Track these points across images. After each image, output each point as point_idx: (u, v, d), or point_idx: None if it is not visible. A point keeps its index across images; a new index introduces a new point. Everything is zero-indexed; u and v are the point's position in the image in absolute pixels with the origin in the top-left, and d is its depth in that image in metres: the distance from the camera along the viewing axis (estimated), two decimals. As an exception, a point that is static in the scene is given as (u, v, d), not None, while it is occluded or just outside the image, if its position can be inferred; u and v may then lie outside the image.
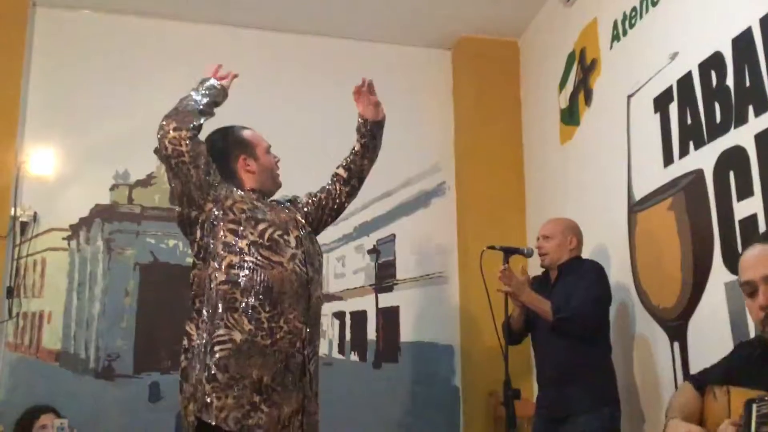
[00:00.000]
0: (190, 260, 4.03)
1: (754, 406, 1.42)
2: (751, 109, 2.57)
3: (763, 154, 2.50)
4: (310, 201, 2.78)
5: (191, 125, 2.45)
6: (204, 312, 2.30)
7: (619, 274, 3.36)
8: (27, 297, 3.87)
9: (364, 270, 4.42)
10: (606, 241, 3.50)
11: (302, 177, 4.19)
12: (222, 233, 2.34)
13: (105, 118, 4.13)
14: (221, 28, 4.43)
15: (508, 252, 3.20)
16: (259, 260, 2.33)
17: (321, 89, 4.48)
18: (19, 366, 3.79)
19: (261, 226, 2.40)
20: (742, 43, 2.64)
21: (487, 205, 4.42)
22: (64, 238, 3.99)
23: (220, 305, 2.27)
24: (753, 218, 2.52)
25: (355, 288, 4.36)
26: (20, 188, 3.95)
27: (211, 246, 2.34)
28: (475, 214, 4.42)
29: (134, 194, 4.13)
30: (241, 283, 2.29)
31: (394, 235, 4.48)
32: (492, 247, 3.21)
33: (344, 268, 4.38)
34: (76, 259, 4.00)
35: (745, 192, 2.57)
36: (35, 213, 3.93)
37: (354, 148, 2.86)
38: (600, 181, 3.63)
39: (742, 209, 2.58)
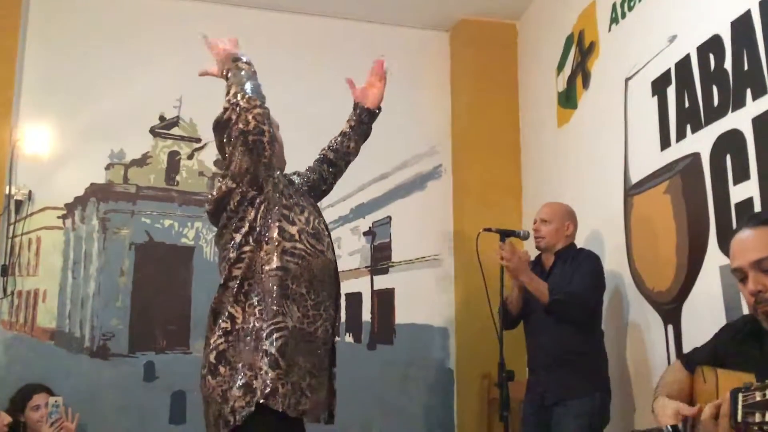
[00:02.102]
0: (185, 240, 4.11)
1: (740, 396, 1.42)
2: (749, 92, 2.57)
3: (760, 137, 2.50)
4: (305, 183, 2.76)
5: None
6: (253, 296, 2.24)
7: (614, 257, 3.37)
8: (22, 275, 3.87)
9: (359, 252, 4.42)
10: (602, 225, 3.50)
11: (299, 158, 4.21)
12: (277, 217, 2.30)
13: (100, 97, 4.11)
14: (217, 6, 4.40)
15: (504, 234, 3.21)
16: (308, 248, 2.32)
17: (317, 69, 4.46)
18: (13, 344, 3.79)
19: (306, 213, 2.39)
20: (741, 26, 2.62)
21: (483, 188, 4.42)
22: (59, 217, 3.98)
23: (275, 291, 2.23)
24: (749, 202, 2.52)
25: (351, 270, 4.36)
26: (15, 167, 3.93)
27: (265, 229, 2.29)
28: (471, 197, 4.42)
29: (130, 174, 4.11)
30: (293, 271, 2.26)
31: (389, 217, 4.47)
32: (488, 230, 3.22)
33: (340, 249, 4.37)
34: (71, 238, 3.99)
35: (741, 175, 2.57)
36: (30, 192, 3.91)
37: (343, 130, 2.84)
38: (596, 165, 3.63)
39: (738, 193, 2.58)
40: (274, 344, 2.18)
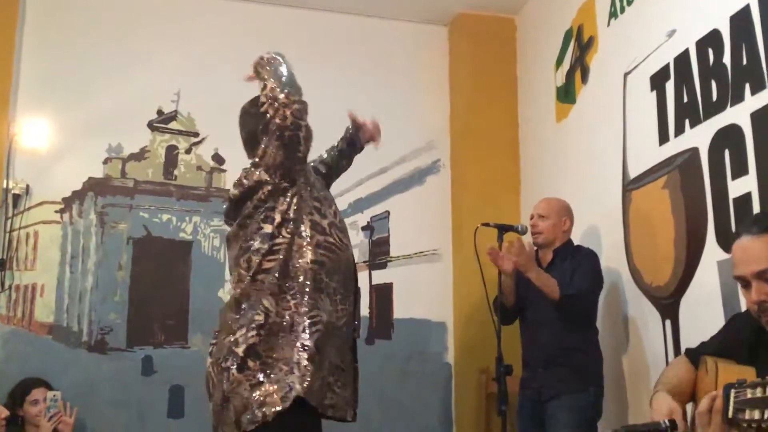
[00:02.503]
0: (182, 235, 4.10)
1: (732, 392, 1.41)
2: (747, 87, 2.57)
3: (758, 132, 2.50)
4: None
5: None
6: (288, 289, 2.22)
7: (612, 252, 3.37)
8: (19, 270, 3.86)
9: (357, 246, 4.40)
10: (600, 220, 3.50)
11: None
12: (309, 210, 2.31)
13: (98, 92, 4.09)
14: (215, 1, 4.38)
15: (503, 229, 3.21)
16: (337, 242, 2.32)
17: (315, 63, 4.44)
18: (11, 338, 3.78)
19: (333, 206, 2.40)
20: (740, 20, 2.62)
21: (481, 183, 4.42)
22: (56, 211, 3.97)
23: (308, 284, 2.22)
24: (747, 197, 2.52)
25: (349, 264, 4.35)
26: (12, 161, 3.91)
27: (299, 222, 2.29)
28: (470, 192, 4.41)
29: (127, 168, 4.10)
30: (327, 264, 2.26)
31: (388, 212, 4.47)
32: (486, 224, 3.22)
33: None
34: (69, 232, 3.98)
35: (739, 170, 2.57)
36: (27, 186, 3.90)
37: (339, 148, 2.89)
38: (595, 160, 3.62)
39: (736, 188, 2.58)
40: (312, 338, 2.17)
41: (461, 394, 4.25)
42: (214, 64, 4.26)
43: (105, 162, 4.08)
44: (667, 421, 1.75)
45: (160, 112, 4.19)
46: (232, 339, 2.21)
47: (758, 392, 1.33)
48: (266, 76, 2.47)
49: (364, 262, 4.39)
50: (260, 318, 2.19)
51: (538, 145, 4.27)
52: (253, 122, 2.45)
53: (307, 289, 2.21)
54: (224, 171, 4.24)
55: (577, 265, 3.10)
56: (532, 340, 3.25)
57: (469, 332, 4.20)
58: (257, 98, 2.50)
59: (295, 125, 2.30)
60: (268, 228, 2.26)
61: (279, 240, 2.25)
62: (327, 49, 4.49)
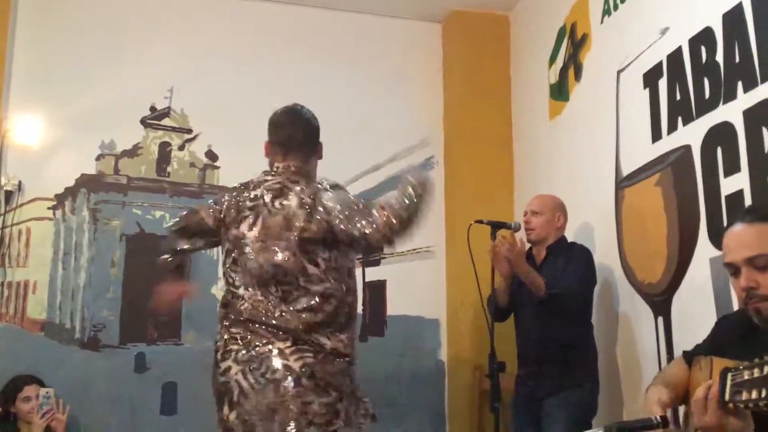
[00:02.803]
0: (177, 232, 4.08)
1: (729, 375, 1.43)
2: (740, 85, 2.57)
3: (751, 130, 2.50)
4: None
5: None
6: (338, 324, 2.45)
7: (605, 249, 3.38)
8: (12, 266, 3.85)
9: (351, 244, 4.41)
10: (593, 217, 3.51)
11: None
12: (347, 254, 2.52)
13: (91, 88, 4.08)
14: (210, -3, 4.38)
15: (496, 226, 3.22)
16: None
17: (309, 60, 4.45)
18: (4, 335, 3.77)
19: None
20: (733, 18, 2.63)
21: (475, 180, 4.42)
22: (49, 208, 3.95)
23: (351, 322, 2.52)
24: (739, 194, 2.53)
25: (342, 261, 4.35)
26: (5, 157, 3.90)
27: (342, 266, 2.48)
28: (463, 189, 4.42)
29: (120, 164, 4.09)
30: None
31: (381, 209, 4.46)
32: (480, 221, 3.23)
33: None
34: (62, 228, 3.97)
35: (732, 168, 2.58)
36: (20, 182, 3.89)
37: None
38: (588, 157, 3.63)
39: (728, 185, 2.59)
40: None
41: (454, 390, 4.26)
42: (207, 61, 4.25)
43: (98, 158, 4.06)
44: (658, 417, 1.76)
45: (153, 109, 4.18)
46: (282, 354, 2.38)
47: (756, 372, 1.35)
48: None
49: (358, 259, 4.38)
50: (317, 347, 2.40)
51: (532, 143, 4.27)
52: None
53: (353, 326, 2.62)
54: (217, 168, 4.23)
55: (569, 260, 3.11)
56: (526, 337, 3.25)
57: (463, 329, 4.21)
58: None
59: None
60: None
61: (332, 286, 2.46)
62: (321, 46, 4.49)
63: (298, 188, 2.46)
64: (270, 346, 2.34)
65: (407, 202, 2.49)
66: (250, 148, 4.17)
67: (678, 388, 1.95)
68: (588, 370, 3.07)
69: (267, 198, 2.46)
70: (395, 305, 4.38)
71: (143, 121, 4.16)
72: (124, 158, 4.10)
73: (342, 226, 2.39)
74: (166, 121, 4.19)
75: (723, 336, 1.94)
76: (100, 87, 4.08)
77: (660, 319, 2.97)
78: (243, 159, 4.19)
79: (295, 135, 2.63)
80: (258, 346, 2.35)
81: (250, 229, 2.44)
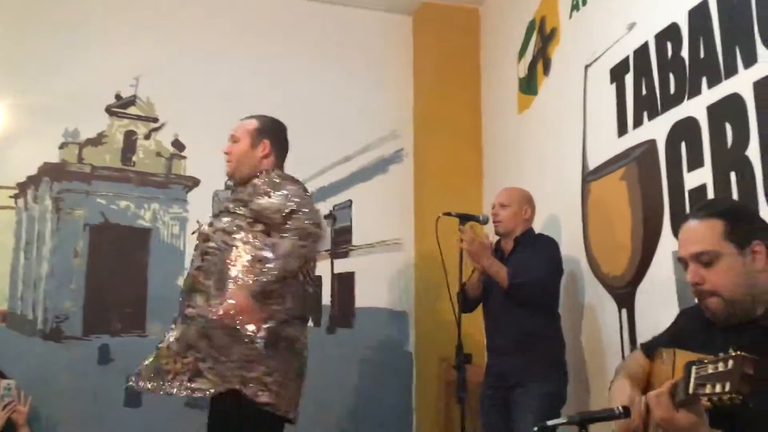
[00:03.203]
0: (140, 222, 4.04)
1: (693, 369, 1.45)
2: (704, 80, 2.61)
3: (714, 125, 2.54)
4: None
5: None
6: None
7: (570, 242, 3.41)
8: (-28, 256, 3.77)
9: (320, 235, 4.40)
10: (560, 210, 3.54)
11: None
12: None
13: (54, 74, 3.99)
14: (178, -16, 4.32)
15: (464, 219, 3.22)
16: None
17: (278, 50, 4.42)
18: (-37, 326, 3.70)
19: None
20: (699, 14, 2.66)
21: (444, 173, 4.43)
22: (11, 197, 3.87)
23: None
24: (702, 188, 2.57)
25: (311, 253, 4.33)
26: (-35, 144, 3.82)
27: None
28: (432, 182, 4.43)
29: (84, 153, 4.02)
30: None
31: (351, 201, 4.46)
32: (448, 214, 3.23)
33: (300, 232, 4.35)
34: (24, 218, 3.89)
35: (695, 163, 2.61)
36: (-19, 170, 3.81)
37: None
38: (556, 151, 3.66)
39: (692, 179, 2.63)
40: None
41: (422, 382, 4.28)
42: (174, 49, 4.20)
43: (61, 147, 3.99)
44: (621, 407, 1.78)
45: (118, 97, 4.11)
46: None
47: (720, 366, 1.37)
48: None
49: (327, 250, 4.38)
50: None
51: (501, 136, 4.29)
52: None
53: None
54: (184, 158, 4.18)
55: (535, 252, 3.13)
56: (494, 328, 3.27)
57: (430, 321, 4.22)
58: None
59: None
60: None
61: None
62: (291, 36, 4.46)
63: None
64: None
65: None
66: (217, 138, 4.15)
67: (640, 381, 1.98)
68: (556, 359, 3.09)
69: None
70: (364, 297, 4.38)
71: (108, 110, 4.09)
72: (88, 147, 4.03)
73: None
74: (131, 110, 4.13)
75: (683, 329, 1.96)
76: (63, 74, 4.00)
77: (624, 311, 3.01)
78: (210, 149, 4.17)
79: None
80: None
81: None
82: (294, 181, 2.87)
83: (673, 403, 1.54)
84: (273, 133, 2.98)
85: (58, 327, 3.82)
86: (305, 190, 2.86)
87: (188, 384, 2.58)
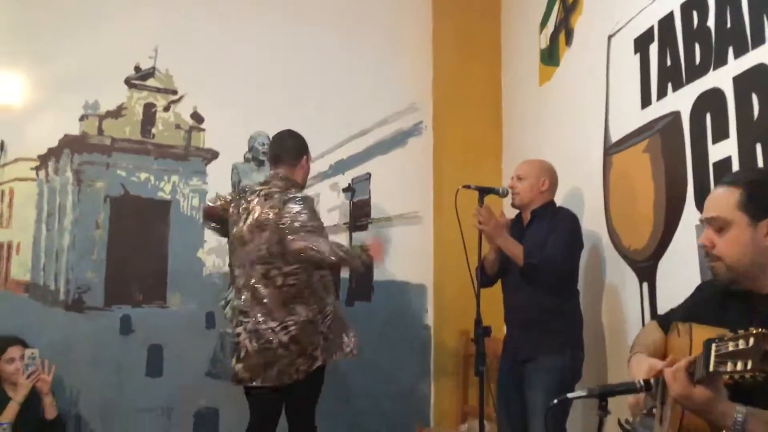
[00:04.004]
0: (160, 194, 4.05)
1: (713, 346, 1.44)
2: (730, 50, 2.55)
3: (740, 96, 2.49)
4: None
5: None
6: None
7: (592, 216, 3.38)
8: (-6, 227, 3.81)
9: (338, 208, 4.40)
10: (581, 184, 3.51)
11: (264, 113, 4.18)
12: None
13: (74, 46, 3.98)
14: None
15: (483, 191, 3.19)
16: None
17: (297, 23, 4.39)
18: (-13, 297, 3.75)
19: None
20: (726, -18, 2.59)
21: (463, 146, 4.41)
22: (32, 169, 3.89)
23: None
24: (727, 161, 2.52)
25: (330, 226, 4.33)
26: (-14, 117, 3.83)
27: None
28: (452, 155, 4.40)
29: (104, 125, 4.03)
30: None
31: (369, 174, 4.44)
32: (467, 187, 3.19)
33: (318, 205, 4.34)
34: (45, 190, 3.92)
35: (720, 134, 2.57)
36: (2, 142, 3.82)
37: None
38: (577, 123, 3.61)
39: (716, 152, 2.58)
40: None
41: (440, 355, 4.29)
42: (192, 21, 4.18)
43: (81, 119, 4.00)
44: (641, 381, 1.77)
45: (137, 69, 4.10)
46: None
47: (740, 344, 1.36)
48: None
49: (345, 223, 4.38)
50: None
51: (521, 108, 4.25)
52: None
53: None
54: (203, 130, 4.18)
55: (554, 228, 3.09)
56: (511, 302, 3.27)
57: (449, 294, 4.22)
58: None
59: None
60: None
61: None
62: (310, 8, 4.42)
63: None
64: None
65: (343, 254, 3.23)
66: (236, 111, 4.17)
67: (657, 356, 1.97)
68: (570, 335, 3.07)
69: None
70: (382, 270, 4.38)
71: (127, 81, 4.09)
72: (108, 119, 4.04)
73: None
74: (150, 82, 4.12)
75: (701, 302, 1.95)
76: (83, 45, 3.99)
77: (645, 285, 2.99)
78: (229, 121, 4.18)
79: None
80: None
81: None
82: None
83: (691, 379, 1.54)
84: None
85: (80, 298, 3.86)
86: None
87: None
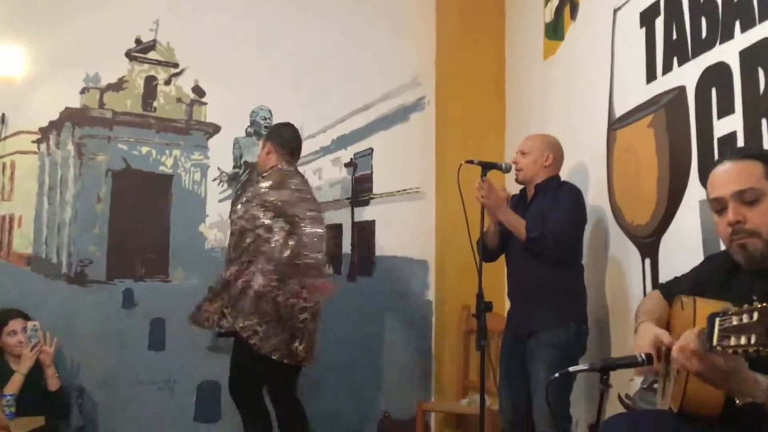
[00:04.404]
0: (162, 168, 4.04)
1: (717, 320, 1.43)
2: (737, 24, 2.51)
3: (746, 70, 2.46)
4: None
5: None
6: None
7: (595, 191, 3.37)
8: (-4, 200, 3.80)
9: (340, 183, 4.39)
10: (585, 159, 3.49)
11: (266, 87, 4.16)
12: None
13: (74, 18, 3.95)
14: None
15: (486, 167, 3.17)
16: None
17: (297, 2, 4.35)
18: (-11, 269, 3.75)
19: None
20: (734, -46, 2.55)
21: (466, 121, 4.38)
22: (33, 141, 3.88)
23: None
24: (732, 136, 2.50)
25: (331, 201, 4.34)
26: (-13, 89, 3.81)
27: None
28: (454, 130, 4.37)
29: (105, 98, 4.00)
30: None
31: (371, 149, 4.43)
32: (470, 162, 3.18)
33: (320, 180, 4.35)
34: (47, 163, 3.91)
35: (726, 109, 2.54)
36: (3, 115, 3.81)
37: None
38: (581, 98, 3.58)
39: (721, 127, 2.56)
40: None
41: (441, 330, 4.31)
42: (193, -7, 4.14)
43: (82, 92, 3.98)
44: (643, 355, 1.78)
45: (138, 41, 4.07)
46: None
47: (744, 318, 1.34)
48: None
49: (347, 198, 4.38)
50: None
51: (525, 83, 4.22)
52: None
53: None
54: (205, 104, 4.16)
55: (555, 202, 3.08)
56: (514, 277, 3.27)
57: (451, 270, 4.23)
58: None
59: None
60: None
61: None
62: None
63: None
64: None
65: None
66: (237, 85, 4.15)
67: (661, 326, 1.96)
68: (573, 310, 3.07)
69: None
70: (384, 246, 4.38)
71: (128, 54, 4.06)
72: (108, 92, 4.01)
73: None
74: (151, 55, 4.09)
75: (706, 275, 1.94)
76: (83, 17, 3.95)
77: (647, 261, 2.98)
78: (231, 95, 4.16)
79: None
80: None
81: None
82: None
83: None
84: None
85: (82, 271, 3.87)
86: None
87: None
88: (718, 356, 1.45)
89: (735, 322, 1.37)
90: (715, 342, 1.42)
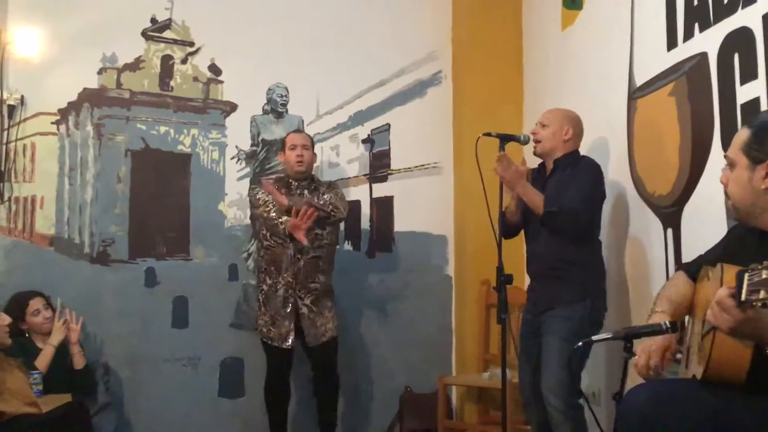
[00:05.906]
0: (180, 147, 4.05)
1: (746, 275, 1.42)
2: (761, -13, 2.47)
3: (770, 35, 2.42)
4: None
5: None
6: None
7: (615, 162, 3.34)
8: (18, 181, 3.82)
9: (358, 159, 4.38)
10: (605, 130, 3.45)
11: (282, 65, 4.14)
12: None
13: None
14: None
15: (504, 139, 3.14)
16: None
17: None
18: (13, 250, 3.79)
19: None
20: None
21: (483, 95, 4.34)
22: (53, 123, 3.90)
23: None
24: (755, 102, 2.46)
25: (349, 177, 4.34)
26: (6, 71, 3.82)
27: None
28: (472, 104, 4.34)
29: (123, 78, 4.01)
30: None
31: (389, 125, 4.41)
32: (488, 134, 3.14)
33: (338, 157, 4.35)
34: (66, 144, 3.94)
35: (748, 75, 2.50)
36: (22, 96, 3.83)
37: None
38: (601, 68, 3.54)
39: (744, 93, 2.52)
40: None
41: (461, 305, 4.31)
42: (208, -30, 4.12)
43: (100, 72, 3.99)
44: (667, 323, 1.77)
45: (153, 20, 4.07)
46: None
47: None
48: None
49: (365, 175, 4.37)
50: None
51: (543, 54, 4.17)
52: None
53: None
54: (221, 82, 4.16)
55: (574, 176, 3.04)
56: (532, 252, 3.25)
57: (470, 244, 4.22)
58: None
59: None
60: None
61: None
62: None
63: None
64: None
65: None
66: (253, 63, 4.14)
67: (682, 307, 1.96)
68: (590, 285, 3.03)
69: None
70: (403, 221, 4.38)
71: (144, 34, 4.06)
72: (126, 72, 4.02)
73: None
74: (167, 34, 4.09)
75: (734, 244, 1.92)
76: (100, -1, 3.96)
77: (669, 231, 2.96)
78: (247, 73, 4.15)
79: None
80: None
81: None
82: None
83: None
84: None
85: (104, 251, 3.91)
86: None
87: None
88: (749, 309, 1.45)
89: (764, 275, 1.36)
90: (744, 296, 1.41)
